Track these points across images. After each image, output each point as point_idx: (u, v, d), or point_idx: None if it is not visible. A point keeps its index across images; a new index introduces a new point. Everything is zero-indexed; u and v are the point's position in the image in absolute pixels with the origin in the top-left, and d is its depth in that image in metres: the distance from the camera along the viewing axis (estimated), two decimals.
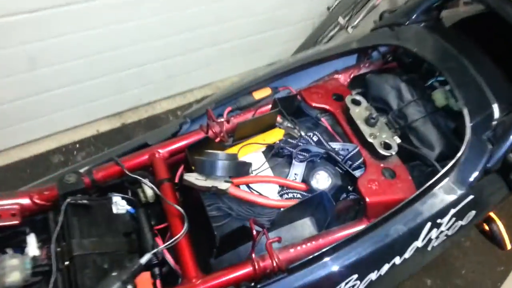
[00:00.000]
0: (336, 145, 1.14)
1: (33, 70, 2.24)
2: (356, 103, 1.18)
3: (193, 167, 1.11)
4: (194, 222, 1.07)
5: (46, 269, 1.05)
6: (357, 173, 1.10)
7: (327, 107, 1.21)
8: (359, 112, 1.16)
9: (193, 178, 1.04)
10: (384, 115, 1.26)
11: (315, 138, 1.15)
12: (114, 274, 0.95)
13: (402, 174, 1.09)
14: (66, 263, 1.03)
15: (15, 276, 1.02)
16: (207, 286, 0.98)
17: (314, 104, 1.22)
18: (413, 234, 1.03)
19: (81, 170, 1.18)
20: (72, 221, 1.08)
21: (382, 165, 1.09)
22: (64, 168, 1.33)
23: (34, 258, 1.06)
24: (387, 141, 1.11)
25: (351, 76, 1.36)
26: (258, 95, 1.29)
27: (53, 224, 1.13)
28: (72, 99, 2.52)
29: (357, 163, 1.11)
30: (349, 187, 1.09)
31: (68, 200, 1.11)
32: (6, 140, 2.48)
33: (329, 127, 1.20)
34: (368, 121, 1.13)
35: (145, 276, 1.06)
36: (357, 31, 2.60)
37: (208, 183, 1.02)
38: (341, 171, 1.10)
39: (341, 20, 2.73)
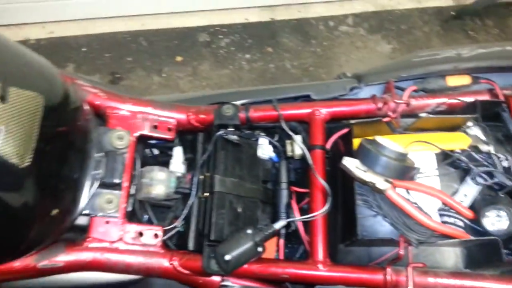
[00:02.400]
0: None
1: None
2: None
3: (353, 145, 1.02)
4: (335, 198, 1.01)
5: (187, 192, 1.09)
6: None
7: None
8: None
9: (353, 165, 0.95)
10: None
11: (505, 163, 0.96)
12: (248, 232, 0.95)
13: None
14: (206, 194, 1.05)
15: (160, 189, 1.07)
16: (332, 276, 0.95)
17: None
18: None
19: (240, 103, 1.15)
20: (220, 155, 1.08)
21: None
22: (222, 90, 1.30)
23: (179, 179, 1.11)
24: None
25: None
26: (453, 81, 1.09)
27: (201, 147, 1.14)
28: None
29: None
30: None
31: (221, 132, 1.09)
32: (161, 4, 2.51)
33: None
34: None
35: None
36: None
37: (367, 176, 0.93)
38: None
39: None
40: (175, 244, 1.09)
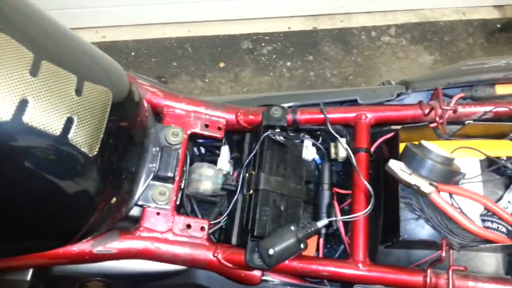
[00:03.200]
0: None
1: None
2: None
3: (399, 149, 1.04)
4: (377, 199, 1.04)
5: (232, 189, 1.14)
6: None
7: None
8: None
9: (398, 168, 0.97)
10: None
11: None
12: (292, 228, 0.98)
13: None
14: (251, 191, 1.10)
15: (207, 185, 1.13)
16: (371, 276, 0.97)
17: None
18: None
19: (287, 105, 1.19)
20: (266, 154, 1.12)
21: None
22: (270, 93, 1.34)
23: (226, 176, 1.16)
24: None
25: None
26: (502, 89, 1.09)
27: (248, 147, 1.19)
28: None
29: None
30: None
31: (268, 133, 1.14)
32: (207, 12, 2.60)
33: None
34: None
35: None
36: None
37: (412, 179, 0.95)
38: None
39: None
40: (218, 239, 1.14)
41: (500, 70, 1.11)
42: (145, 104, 1.07)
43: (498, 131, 1.03)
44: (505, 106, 1.07)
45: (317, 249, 1.11)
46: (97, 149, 0.84)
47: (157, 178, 1.05)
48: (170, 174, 1.05)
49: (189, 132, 1.14)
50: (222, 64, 2.60)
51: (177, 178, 1.08)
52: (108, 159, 0.89)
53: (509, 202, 0.98)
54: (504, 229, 0.96)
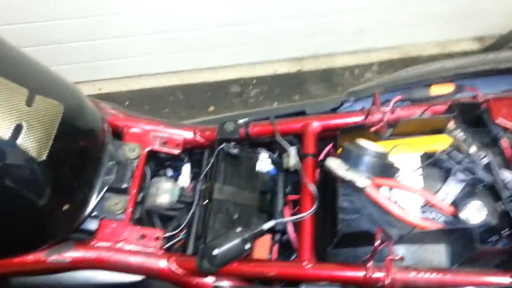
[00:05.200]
0: (508, 176, 0.96)
1: (232, 2, 2.39)
2: None
3: (338, 149, 1.08)
4: (324, 204, 1.06)
5: (189, 201, 1.19)
6: None
7: None
8: None
9: (335, 164, 1.01)
10: None
11: (485, 161, 0.98)
12: (238, 230, 1.01)
13: None
14: (206, 202, 1.14)
15: (164, 198, 1.18)
16: (316, 274, 0.98)
17: (499, 121, 1.03)
18: None
19: (240, 121, 1.26)
20: (220, 166, 1.18)
21: None
22: (230, 113, 1.42)
23: (182, 188, 1.21)
24: None
25: None
26: (436, 90, 1.14)
27: (205, 162, 1.25)
28: (258, 36, 2.64)
29: None
30: (504, 231, 0.92)
31: (222, 146, 1.20)
32: (197, 61, 2.76)
33: (508, 153, 1.01)
34: None
35: (266, 239, 1.12)
36: None
37: (348, 174, 0.98)
38: (502, 210, 0.93)
39: None
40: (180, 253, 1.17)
41: (435, 72, 1.17)
42: (104, 122, 1.16)
43: (434, 126, 1.06)
44: (440, 104, 1.11)
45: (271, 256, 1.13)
46: (45, 155, 0.91)
47: (112, 190, 1.11)
48: (124, 186, 1.11)
49: (147, 149, 1.21)
50: (212, 108, 2.72)
51: (133, 191, 1.13)
52: (58, 166, 0.96)
53: (447, 193, 0.99)
54: (442, 219, 0.96)
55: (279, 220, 1.04)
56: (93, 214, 1.08)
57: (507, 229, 0.92)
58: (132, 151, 1.17)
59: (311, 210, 1.03)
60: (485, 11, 2.67)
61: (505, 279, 0.88)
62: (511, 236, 0.89)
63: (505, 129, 1.03)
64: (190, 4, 2.37)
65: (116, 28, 2.41)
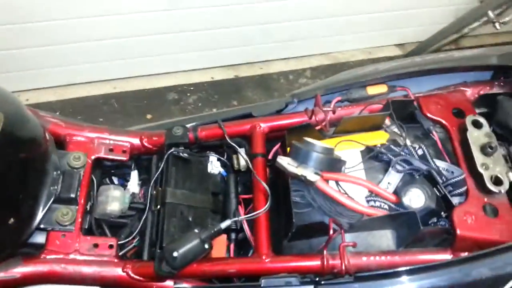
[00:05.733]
0: (441, 164, 1.07)
1: (171, 10, 2.39)
2: (477, 125, 1.08)
3: (287, 148, 1.14)
4: (277, 201, 1.11)
5: (141, 207, 1.18)
6: (456, 200, 1.03)
7: (443, 121, 1.12)
8: (478, 136, 1.06)
9: (286, 162, 1.05)
10: (504, 145, 1.14)
11: (420, 152, 1.08)
12: (196, 231, 1.02)
13: (506, 215, 0.99)
14: (158, 207, 1.14)
15: (115, 206, 1.15)
16: (274, 267, 1.02)
17: (429, 115, 1.14)
18: (497, 283, 0.95)
19: (188, 125, 1.27)
20: (171, 170, 1.18)
21: (485, 199, 1.01)
22: (173, 119, 1.42)
23: (133, 195, 1.19)
24: (499, 175, 1.01)
25: (480, 93, 1.23)
26: (372, 90, 1.24)
27: (155, 167, 1.24)
28: (196, 43, 2.66)
29: (458, 190, 1.03)
30: (442, 213, 1.03)
31: (172, 150, 1.20)
32: (131, 69, 2.71)
33: (439, 143, 1.12)
34: (484, 149, 1.03)
35: (222, 238, 1.14)
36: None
37: (298, 171, 1.03)
38: (438, 194, 1.03)
39: (490, 14, 2.45)
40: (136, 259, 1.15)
41: (369, 74, 1.27)
42: (45, 131, 1.11)
43: (372, 123, 1.16)
44: (377, 103, 1.21)
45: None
46: None
47: (59, 200, 1.07)
48: (72, 195, 1.08)
49: (93, 157, 1.18)
50: (149, 116, 2.67)
51: (82, 201, 1.10)
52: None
53: (388, 183, 1.08)
54: (386, 206, 1.05)
55: (237, 219, 1.07)
56: (40, 227, 1.04)
57: (444, 211, 1.02)
58: (77, 160, 1.13)
59: (266, 206, 1.07)
60: (406, 21, 2.92)
61: (446, 256, 0.98)
62: (449, 217, 0.99)
63: (435, 123, 1.14)
64: (124, 11, 2.33)
65: (42, 36, 2.31)
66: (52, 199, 1.05)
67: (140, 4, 2.32)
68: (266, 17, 2.63)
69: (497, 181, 1.00)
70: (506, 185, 1.00)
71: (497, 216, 0.99)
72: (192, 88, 2.83)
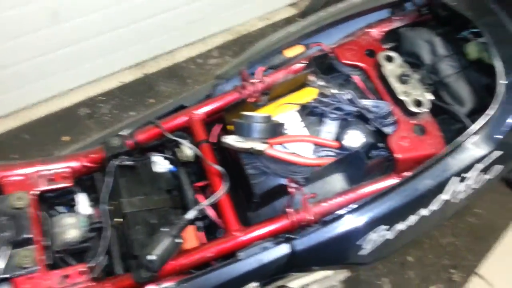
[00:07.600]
0: (368, 103, 1.17)
1: (55, 25, 2.26)
2: (389, 59, 1.19)
3: (228, 128, 1.17)
4: (232, 179, 1.14)
5: (100, 226, 1.15)
6: (389, 129, 1.14)
7: (360, 64, 1.22)
8: (392, 69, 1.17)
9: (232, 140, 1.09)
10: (417, 70, 1.27)
11: (348, 96, 1.17)
12: (164, 230, 1.03)
13: (433, 130, 1.12)
14: (119, 220, 1.12)
15: (73, 233, 1.12)
16: (249, 238, 1.07)
17: (346, 62, 1.23)
18: (441, 188, 1.08)
19: (122, 133, 1.24)
20: (120, 182, 1.16)
21: (413, 121, 1.13)
22: (104, 132, 1.38)
23: (89, 217, 1.16)
24: (419, 98, 1.13)
25: (384, 30, 1.35)
26: (289, 53, 1.30)
27: (100, 184, 1.21)
28: (93, 52, 2.55)
29: (388, 120, 1.14)
30: (380, 144, 1.13)
31: (115, 162, 1.18)
32: (32, 96, 2.54)
33: (361, 84, 1.22)
34: (400, 79, 1.15)
35: (190, 230, 1.15)
36: None
37: (247, 144, 1.08)
38: (373, 129, 1.14)
39: None
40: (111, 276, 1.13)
41: (283, 39, 1.33)
42: None
43: (299, 83, 1.22)
44: (297, 64, 1.28)
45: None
46: None
47: (17, 245, 1.02)
48: (27, 236, 1.03)
49: (34, 192, 1.12)
50: (65, 138, 2.53)
51: (37, 238, 1.05)
52: None
53: (328, 132, 1.16)
54: (332, 153, 1.14)
55: (199, 207, 1.09)
56: (5, 276, 0.98)
57: (381, 142, 1.13)
58: (20, 200, 1.07)
59: (224, 188, 1.10)
60: None
61: (394, 180, 1.09)
62: (386, 146, 1.10)
63: (353, 67, 1.23)
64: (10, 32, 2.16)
65: None
66: (9, 247, 1.00)
67: (19, 27, 2.14)
68: (158, 7, 2.58)
69: (419, 103, 1.13)
70: (426, 105, 1.13)
71: (426, 133, 1.12)
72: (103, 97, 2.71)
